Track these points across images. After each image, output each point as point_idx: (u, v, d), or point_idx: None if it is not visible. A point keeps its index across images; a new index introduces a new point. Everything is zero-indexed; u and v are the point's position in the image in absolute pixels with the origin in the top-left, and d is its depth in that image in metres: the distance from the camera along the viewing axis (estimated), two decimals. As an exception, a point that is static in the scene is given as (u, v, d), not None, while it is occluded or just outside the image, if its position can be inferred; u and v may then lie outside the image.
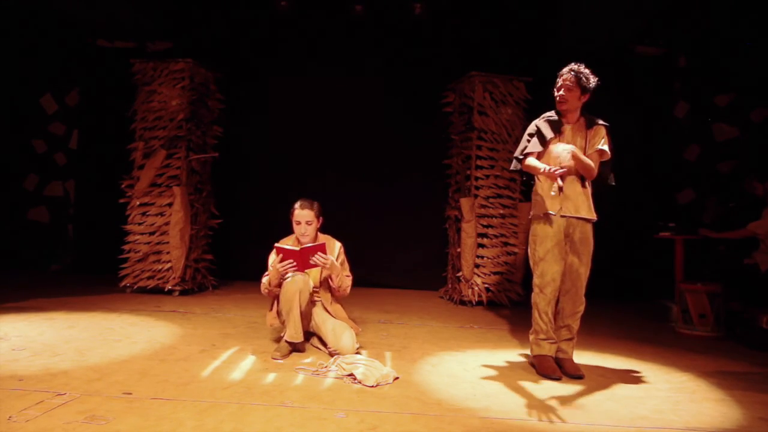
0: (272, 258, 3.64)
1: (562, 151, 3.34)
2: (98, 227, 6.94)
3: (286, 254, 3.36)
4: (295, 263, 3.39)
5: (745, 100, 6.94)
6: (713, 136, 7.08)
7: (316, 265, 3.47)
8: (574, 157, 3.29)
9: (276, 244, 3.54)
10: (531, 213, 3.52)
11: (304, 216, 3.59)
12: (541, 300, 3.39)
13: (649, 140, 6.99)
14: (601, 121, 3.45)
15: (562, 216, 3.35)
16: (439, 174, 6.67)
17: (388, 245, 6.86)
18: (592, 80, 3.36)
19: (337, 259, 3.73)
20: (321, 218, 3.75)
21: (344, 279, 3.69)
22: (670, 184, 7.09)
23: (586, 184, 3.39)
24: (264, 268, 3.69)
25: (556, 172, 3.20)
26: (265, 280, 3.60)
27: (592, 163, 3.34)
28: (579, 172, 3.37)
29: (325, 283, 3.75)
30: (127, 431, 2.20)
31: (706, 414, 2.77)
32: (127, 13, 6.54)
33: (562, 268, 3.38)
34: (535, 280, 3.43)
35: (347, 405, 2.62)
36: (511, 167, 3.67)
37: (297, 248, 3.36)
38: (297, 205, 3.66)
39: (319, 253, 3.39)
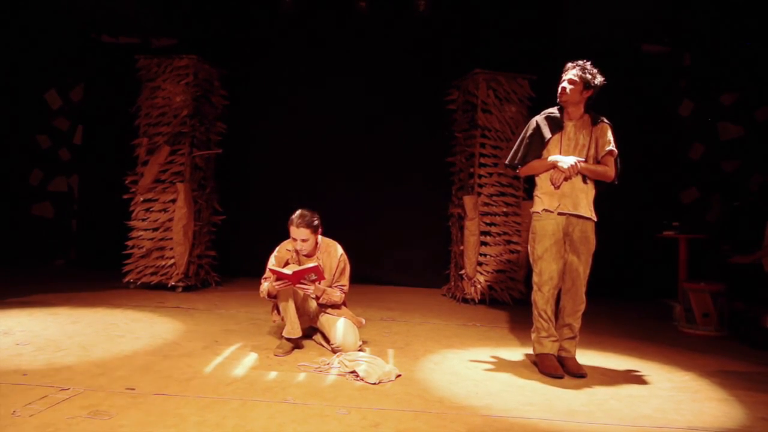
0: (271, 262, 3.67)
1: (570, 161, 3.31)
2: (102, 223, 6.96)
3: (279, 275, 3.40)
4: (289, 282, 3.43)
5: (750, 99, 6.91)
6: (718, 135, 7.05)
7: (309, 281, 3.49)
8: (584, 170, 3.30)
9: (270, 266, 3.56)
10: (531, 209, 3.51)
11: (299, 234, 3.58)
12: (540, 298, 3.38)
13: (654, 139, 6.96)
14: (605, 119, 3.44)
15: (561, 213, 3.34)
16: (442, 172, 6.67)
17: (390, 243, 6.86)
18: (598, 78, 3.34)
19: (337, 267, 3.73)
20: (320, 230, 3.72)
21: (332, 297, 3.67)
22: (674, 182, 7.07)
23: (588, 180, 3.38)
24: (266, 265, 3.68)
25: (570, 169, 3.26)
26: (264, 286, 3.61)
27: (600, 169, 3.34)
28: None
29: (327, 281, 3.75)
30: (130, 426, 2.21)
31: (708, 413, 2.76)
32: (131, 8, 6.55)
33: (561, 266, 3.37)
34: (534, 278, 3.43)
35: (349, 402, 2.63)
36: (507, 162, 3.65)
37: (290, 272, 3.39)
38: (294, 221, 3.59)
39: (305, 276, 3.41)
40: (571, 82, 3.34)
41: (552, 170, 3.36)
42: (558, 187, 3.31)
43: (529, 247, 3.49)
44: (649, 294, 6.48)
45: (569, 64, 3.41)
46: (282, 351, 3.43)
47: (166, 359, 3.21)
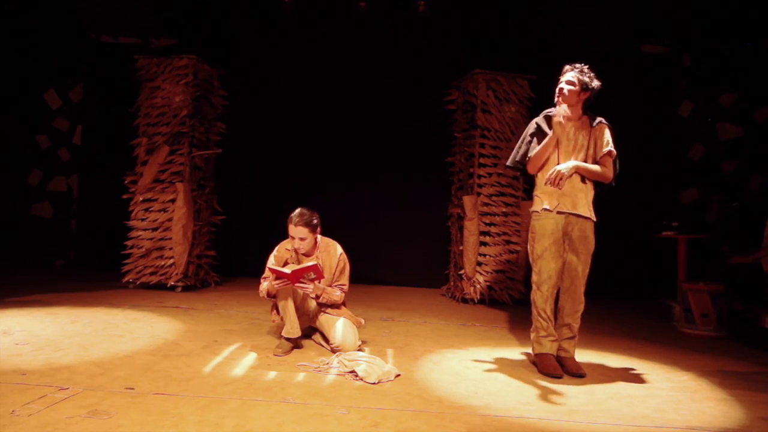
0: (271, 261, 3.66)
1: (563, 168, 3.31)
2: (101, 223, 6.96)
3: (279, 274, 3.40)
4: (288, 281, 3.43)
5: (750, 100, 6.92)
6: (717, 135, 7.06)
7: (308, 280, 3.49)
8: (582, 170, 3.31)
9: (269, 266, 3.57)
10: (531, 209, 3.51)
11: (298, 233, 3.58)
12: (539, 297, 3.38)
13: (653, 139, 6.97)
14: (603, 120, 3.45)
15: (560, 212, 3.34)
16: (442, 172, 6.68)
17: (390, 242, 6.87)
18: (595, 81, 3.36)
19: (336, 266, 3.73)
20: (319, 229, 3.71)
21: (332, 296, 3.67)
22: (674, 183, 7.07)
23: (587, 180, 3.38)
24: (265, 265, 3.68)
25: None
26: (263, 285, 3.61)
27: (599, 169, 3.34)
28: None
29: (327, 280, 3.75)
30: (129, 426, 2.21)
31: (707, 413, 2.76)
32: (131, 8, 6.55)
33: (560, 266, 3.37)
34: (533, 278, 3.43)
35: (349, 402, 2.63)
36: (508, 163, 3.65)
37: (289, 271, 3.38)
38: (293, 219, 3.58)
39: (305, 275, 3.41)
40: (569, 83, 3.36)
41: (550, 172, 3.34)
42: (560, 187, 3.30)
43: (528, 247, 3.49)
44: (649, 294, 6.49)
45: (567, 67, 3.43)
46: (281, 351, 3.43)
47: (166, 359, 3.21)
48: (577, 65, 3.39)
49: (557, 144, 3.39)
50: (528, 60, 6.45)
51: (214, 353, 3.40)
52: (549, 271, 3.34)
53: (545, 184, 3.33)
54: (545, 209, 3.36)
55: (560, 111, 3.30)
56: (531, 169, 3.51)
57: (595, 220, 3.39)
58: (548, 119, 3.46)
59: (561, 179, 3.26)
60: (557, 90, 3.40)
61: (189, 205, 5.80)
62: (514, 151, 3.59)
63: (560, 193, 3.33)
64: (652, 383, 3.26)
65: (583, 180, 3.36)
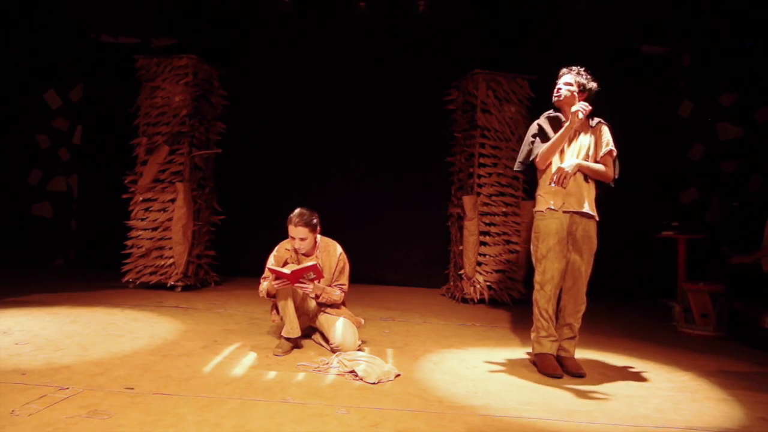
0: (270, 261, 3.67)
1: (567, 166, 3.31)
2: (101, 223, 6.96)
3: (278, 274, 3.40)
4: (287, 281, 3.43)
5: (750, 99, 6.92)
6: (717, 135, 7.05)
7: (308, 280, 3.48)
8: (584, 168, 3.31)
9: (268, 266, 3.57)
10: (534, 209, 3.51)
11: (298, 233, 3.58)
12: (541, 297, 3.38)
13: (653, 139, 6.97)
14: (602, 120, 3.47)
15: (565, 212, 3.34)
16: (442, 172, 6.67)
17: (390, 242, 6.87)
18: (592, 83, 3.40)
19: (336, 266, 3.73)
20: (319, 229, 3.71)
21: (331, 296, 3.67)
22: (674, 183, 7.07)
23: (589, 180, 3.39)
24: (265, 265, 3.68)
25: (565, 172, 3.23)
26: (263, 285, 3.61)
27: (602, 168, 3.36)
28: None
29: (326, 280, 3.76)
30: (129, 426, 2.21)
31: (707, 413, 2.76)
32: (131, 8, 6.55)
33: (563, 265, 3.37)
34: (536, 277, 3.43)
35: (349, 402, 2.62)
36: (515, 168, 3.66)
37: (288, 271, 3.38)
38: (292, 219, 3.59)
39: (304, 275, 3.41)
40: (567, 84, 3.39)
41: (554, 172, 3.34)
42: (564, 186, 3.29)
43: (531, 246, 3.49)
44: (649, 294, 6.48)
45: (564, 69, 3.46)
46: (281, 350, 3.43)
47: (165, 359, 3.21)
48: (574, 68, 3.42)
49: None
50: (528, 60, 6.44)
51: (213, 353, 3.40)
52: (553, 270, 3.35)
53: (549, 183, 3.33)
54: (550, 209, 3.36)
55: (580, 105, 3.29)
56: (541, 163, 3.44)
57: (598, 219, 3.39)
58: (550, 120, 3.47)
59: (565, 178, 3.25)
60: (555, 90, 3.42)
61: (189, 204, 5.80)
62: (519, 154, 3.58)
63: (565, 193, 3.34)
64: (652, 383, 3.26)
65: (585, 179, 3.37)
